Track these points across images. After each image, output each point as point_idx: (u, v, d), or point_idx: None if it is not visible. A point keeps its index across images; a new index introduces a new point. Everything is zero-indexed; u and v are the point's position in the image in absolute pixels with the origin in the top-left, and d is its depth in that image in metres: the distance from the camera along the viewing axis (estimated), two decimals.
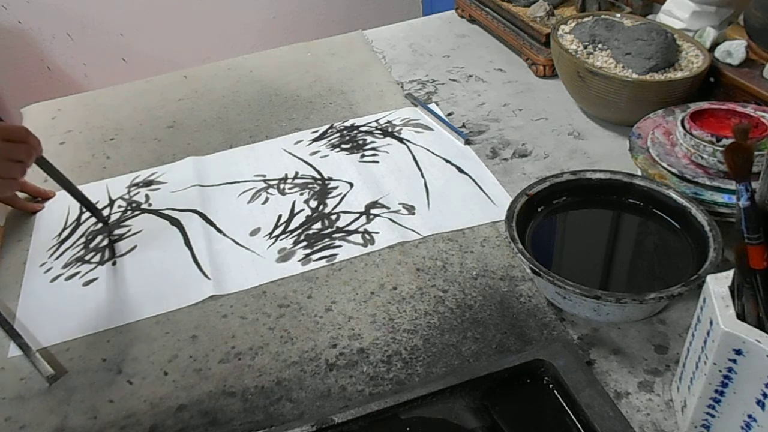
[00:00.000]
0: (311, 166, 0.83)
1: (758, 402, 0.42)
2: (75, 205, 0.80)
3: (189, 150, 0.89)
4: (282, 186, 0.80)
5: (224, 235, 0.74)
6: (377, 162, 0.83)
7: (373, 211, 0.75)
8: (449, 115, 0.92)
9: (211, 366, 0.59)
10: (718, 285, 0.45)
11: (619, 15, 0.90)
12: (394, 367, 0.57)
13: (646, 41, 0.79)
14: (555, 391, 0.52)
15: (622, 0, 0.97)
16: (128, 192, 0.82)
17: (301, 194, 0.79)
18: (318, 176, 0.82)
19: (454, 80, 1.00)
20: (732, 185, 0.62)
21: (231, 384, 0.57)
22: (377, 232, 0.72)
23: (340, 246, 0.71)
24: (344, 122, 0.92)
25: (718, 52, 0.80)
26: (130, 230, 0.76)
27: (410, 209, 0.75)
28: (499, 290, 0.64)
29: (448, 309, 0.62)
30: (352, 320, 0.62)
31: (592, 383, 0.51)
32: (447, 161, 0.82)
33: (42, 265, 0.72)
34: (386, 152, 0.85)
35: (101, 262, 0.72)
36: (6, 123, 0.66)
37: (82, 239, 0.75)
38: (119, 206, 0.80)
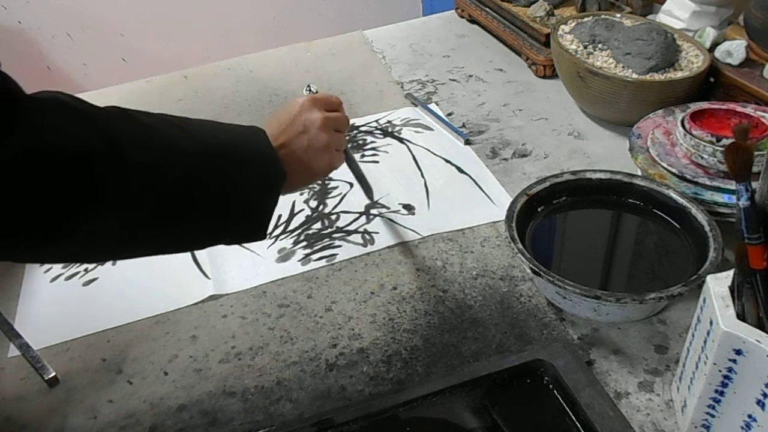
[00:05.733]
0: None
1: (758, 402, 0.42)
2: None
3: None
4: None
5: None
6: (377, 162, 0.83)
7: (372, 211, 0.75)
8: (449, 115, 0.92)
9: (211, 366, 0.59)
10: (718, 285, 0.45)
11: (619, 15, 0.90)
12: (394, 367, 0.57)
13: (646, 41, 0.79)
14: (555, 391, 0.52)
15: (622, 0, 0.97)
16: None
17: (301, 194, 0.79)
18: None
19: (454, 80, 1.00)
20: (732, 185, 0.62)
21: (231, 384, 0.57)
22: (377, 232, 0.72)
23: (340, 246, 0.70)
24: None
25: (718, 52, 0.80)
26: None
27: (410, 209, 0.75)
28: (499, 290, 0.64)
29: (448, 309, 0.62)
30: (352, 320, 0.62)
31: (592, 383, 0.51)
32: (447, 161, 0.82)
33: (42, 265, 0.72)
34: (386, 152, 0.85)
35: (101, 262, 0.71)
36: (322, 93, 0.61)
37: None
38: None
